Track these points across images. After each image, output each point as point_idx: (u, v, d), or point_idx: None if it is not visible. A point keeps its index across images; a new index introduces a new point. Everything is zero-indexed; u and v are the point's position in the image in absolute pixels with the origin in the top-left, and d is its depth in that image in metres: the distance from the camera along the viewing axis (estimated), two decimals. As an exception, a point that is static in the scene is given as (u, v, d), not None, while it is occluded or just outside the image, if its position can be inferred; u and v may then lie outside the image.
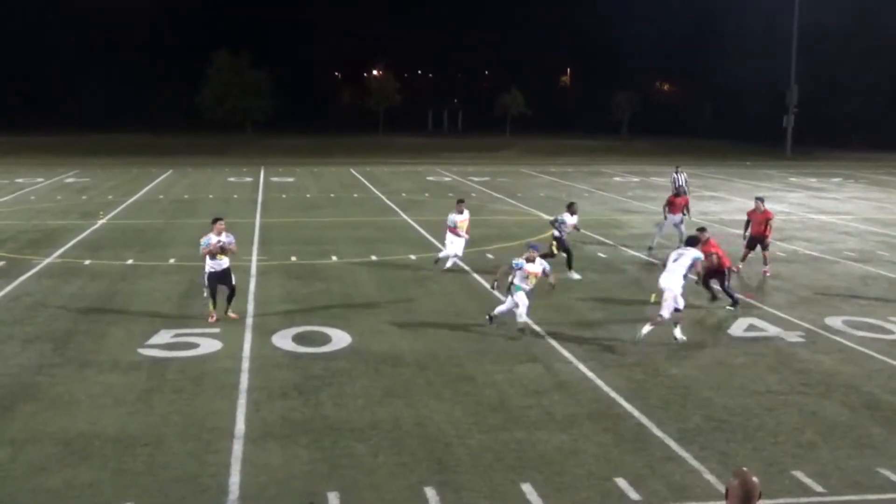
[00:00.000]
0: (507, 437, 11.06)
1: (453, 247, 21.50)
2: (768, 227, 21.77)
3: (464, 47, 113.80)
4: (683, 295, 15.57)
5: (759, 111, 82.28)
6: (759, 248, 21.83)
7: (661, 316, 15.34)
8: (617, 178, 49.32)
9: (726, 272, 17.97)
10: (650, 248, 24.80)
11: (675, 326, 15.53)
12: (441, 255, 21.97)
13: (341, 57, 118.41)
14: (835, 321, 17.00)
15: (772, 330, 16.41)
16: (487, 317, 16.33)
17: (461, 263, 21.91)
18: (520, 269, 15.70)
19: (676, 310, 15.39)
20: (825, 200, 38.91)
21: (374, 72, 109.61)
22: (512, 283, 15.85)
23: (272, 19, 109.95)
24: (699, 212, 32.88)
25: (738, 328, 16.50)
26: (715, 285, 18.24)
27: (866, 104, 79.86)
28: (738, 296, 18.21)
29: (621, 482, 9.78)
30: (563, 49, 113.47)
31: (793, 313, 17.53)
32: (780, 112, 72.30)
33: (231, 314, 16.59)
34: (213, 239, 16.50)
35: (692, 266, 15.68)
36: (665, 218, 25.65)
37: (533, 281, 15.78)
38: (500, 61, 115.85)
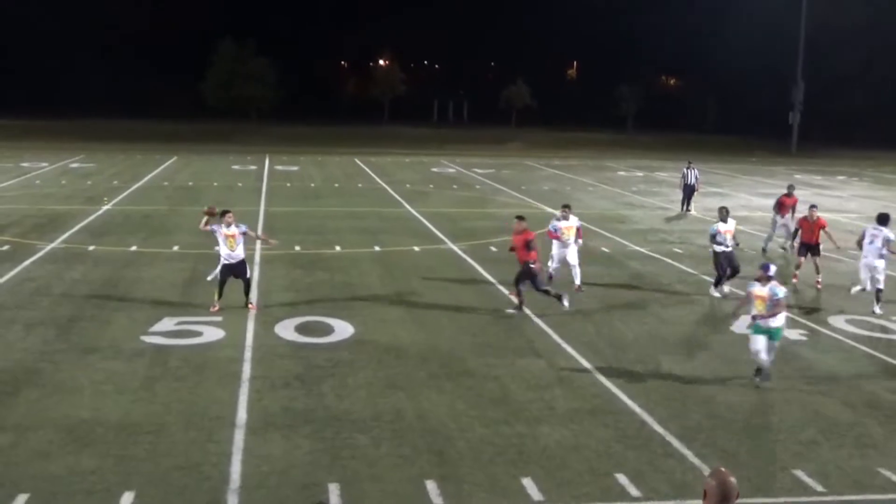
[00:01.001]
0: (508, 431, 11.09)
1: (563, 255, 19.10)
2: (819, 235, 20.39)
3: (470, 38, 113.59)
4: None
5: (764, 107, 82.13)
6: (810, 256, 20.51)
7: (878, 290, 17.64)
8: (621, 173, 49.29)
9: (532, 269, 16.81)
10: (785, 249, 24.47)
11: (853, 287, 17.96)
12: (552, 267, 19.30)
13: (347, 46, 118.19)
14: (837, 320, 17.00)
15: (774, 328, 16.38)
16: (756, 375, 13.38)
17: (577, 278, 19.06)
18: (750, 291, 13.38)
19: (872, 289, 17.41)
20: (830, 198, 38.83)
21: (381, 62, 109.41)
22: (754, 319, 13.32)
23: (278, 8, 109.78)
24: (704, 207, 32.88)
25: (740, 325, 16.48)
26: (542, 288, 17.15)
27: (873, 101, 79.64)
28: (557, 291, 17.29)
29: (622, 478, 9.80)
30: (569, 42, 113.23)
31: (796, 311, 17.51)
32: (785, 108, 72.14)
33: (250, 306, 16.60)
34: (223, 228, 16.49)
35: (885, 245, 17.51)
36: (775, 219, 24.79)
37: (760, 307, 13.15)
38: (506, 53, 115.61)
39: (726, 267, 18.84)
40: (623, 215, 31.36)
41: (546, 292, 17.09)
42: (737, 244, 19.35)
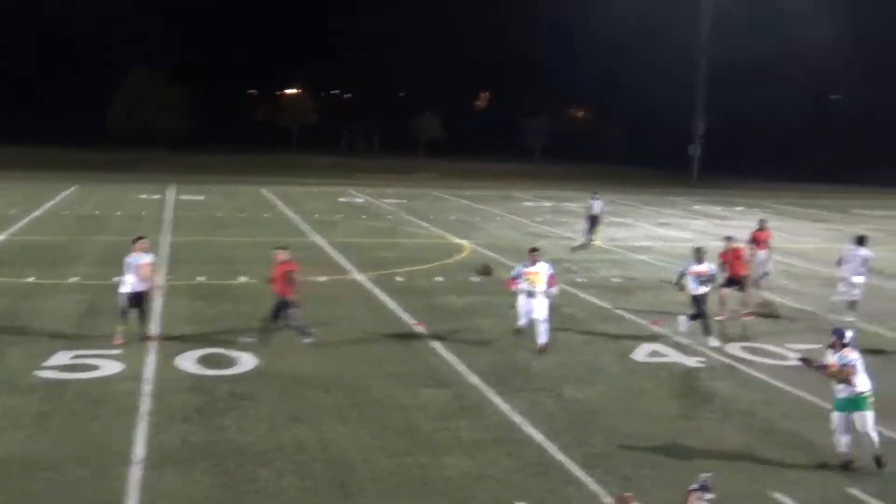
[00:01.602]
0: (412, 462, 11.08)
1: (529, 308, 16.82)
2: (741, 264, 19.98)
3: (380, 68, 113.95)
4: None
5: (669, 140, 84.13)
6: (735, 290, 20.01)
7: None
8: (528, 203, 49.85)
9: (289, 303, 16.13)
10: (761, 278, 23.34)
11: None
12: (519, 323, 17.19)
13: (256, 74, 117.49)
14: (734, 347, 17.41)
15: (673, 356, 16.75)
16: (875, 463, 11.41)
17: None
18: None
19: None
20: (728, 229, 39.82)
21: (290, 90, 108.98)
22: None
23: (187, 35, 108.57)
24: (608, 238, 33.43)
25: (641, 353, 16.80)
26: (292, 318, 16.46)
27: (773, 136, 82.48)
28: (309, 331, 16.52)
29: (520, 507, 9.88)
30: (479, 72, 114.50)
31: (694, 339, 17.87)
32: (688, 141, 74.30)
33: (149, 337, 16.26)
34: (144, 258, 16.27)
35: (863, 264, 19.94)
36: (755, 255, 23.57)
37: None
38: (416, 83, 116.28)
39: (705, 309, 17.69)
40: (529, 245, 31.60)
41: (299, 328, 16.37)
42: (710, 284, 17.85)
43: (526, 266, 16.99)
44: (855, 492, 10.64)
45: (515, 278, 17.00)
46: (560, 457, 11.40)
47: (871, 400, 11.24)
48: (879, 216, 47.78)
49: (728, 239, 20.88)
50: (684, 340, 17.75)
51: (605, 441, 12.09)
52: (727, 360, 16.52)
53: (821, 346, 17.50)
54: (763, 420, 13.28)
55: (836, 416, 11.39)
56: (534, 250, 17.39)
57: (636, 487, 10.26)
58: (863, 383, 11.24)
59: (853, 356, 11.31)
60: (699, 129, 72.92)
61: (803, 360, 12.05)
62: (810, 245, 34.41)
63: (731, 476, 10.99)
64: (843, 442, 11.34)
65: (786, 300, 22.58)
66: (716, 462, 11.44)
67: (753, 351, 17.25)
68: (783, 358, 16.85)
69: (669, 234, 36.55)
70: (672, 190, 62.60)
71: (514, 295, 17.18)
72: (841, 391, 11.29)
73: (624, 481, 10.64)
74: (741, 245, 21.01)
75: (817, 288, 24.63)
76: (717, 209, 49.57)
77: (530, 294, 16.72)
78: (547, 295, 16.80)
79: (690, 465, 11.30)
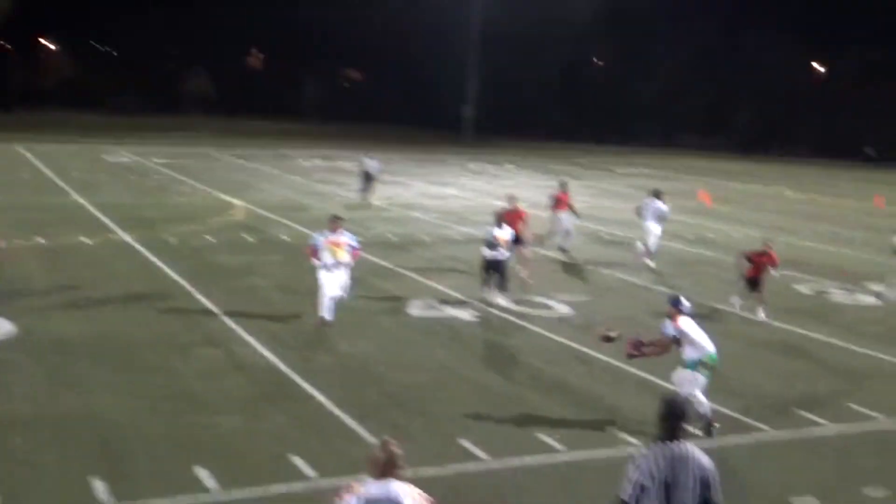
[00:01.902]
0: (182, 423, 10.86)
1: (329, 284, 15.21)
2: (522, 224, 19.84)
3: (146, 23, 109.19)
4: None
5: (443, 102, 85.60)
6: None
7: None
8: (303, 162, 49.46)
9: None
10: (565, 251, 23.63)
11: None
12: (324, 306, 15.30)
13: (10, 28, 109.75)
14: (504, 300, 18.01)
15: (448, 311, 17.12)
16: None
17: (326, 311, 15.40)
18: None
19: None
20: (501, 188, 41.06)
21: (47, 44, 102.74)
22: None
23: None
24: (384, 196, 33.68)
25: (415, 307, 17.11)
26: None
27: (538, 95, 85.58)
28: None
29: (297, 460, 9.86)
30: (251, 31, 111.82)
31: (467, 293, 18.35)
32: (461, 101, 76.01)
33: None
34: None
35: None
36: (557, 217, 24.04)
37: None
38: (184, 39, 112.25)
39: (492, 273, 17.68)
40: (304, 204, 31.49)
41: None
42: (508, 253, 17.88)
43: (326, 235, 15.46)
44: (614, 430, 11.28)
45: (316, 249, 15.37)
46: (335, 410, 11.47)
47: (712, 365, 11.03)
48: (635, 174, 50.70)
49: (509, 199, 21.14)
50: (460, 296, 18.20)
51: (378, 393, 12.29)
52: (499, 313, 17.07)
53: (588, 298, 18.65)
54: (530, 366, 13.87)
55: (683, 374, 11.00)
56: (337, 218, 15.75)
57: (406, 436, 10.46)
58: (709, 346, 10.93)
59: (685, 324, 10.97)
60: (471, 89, 74.75)
61: (635, 344, 11.26)
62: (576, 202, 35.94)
63: (497, 421, 11.42)
64: (705, 402, 11.03)
65: (556, 254, 23.54)
66: (484, 408, 11.85)
67: (523, 303, 17.91)
68: (551, 309, 17.62)
69: (444, 192, 37.33)
70: (446, 149, 63.80)
71: (288, 254, 17.06)
72: (690, 352, 10.91)
73: (394, 430, 10.79)
74: (521, 205, 21.28)
75: (583, 243, 25.80)
76: (490, 168, 51.00)
77: (331, 266, 15.28)
78: (347, 269, 15.51)
79: (458, 412, 11.66)
